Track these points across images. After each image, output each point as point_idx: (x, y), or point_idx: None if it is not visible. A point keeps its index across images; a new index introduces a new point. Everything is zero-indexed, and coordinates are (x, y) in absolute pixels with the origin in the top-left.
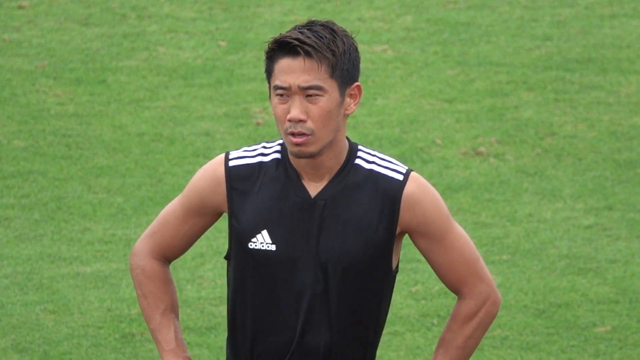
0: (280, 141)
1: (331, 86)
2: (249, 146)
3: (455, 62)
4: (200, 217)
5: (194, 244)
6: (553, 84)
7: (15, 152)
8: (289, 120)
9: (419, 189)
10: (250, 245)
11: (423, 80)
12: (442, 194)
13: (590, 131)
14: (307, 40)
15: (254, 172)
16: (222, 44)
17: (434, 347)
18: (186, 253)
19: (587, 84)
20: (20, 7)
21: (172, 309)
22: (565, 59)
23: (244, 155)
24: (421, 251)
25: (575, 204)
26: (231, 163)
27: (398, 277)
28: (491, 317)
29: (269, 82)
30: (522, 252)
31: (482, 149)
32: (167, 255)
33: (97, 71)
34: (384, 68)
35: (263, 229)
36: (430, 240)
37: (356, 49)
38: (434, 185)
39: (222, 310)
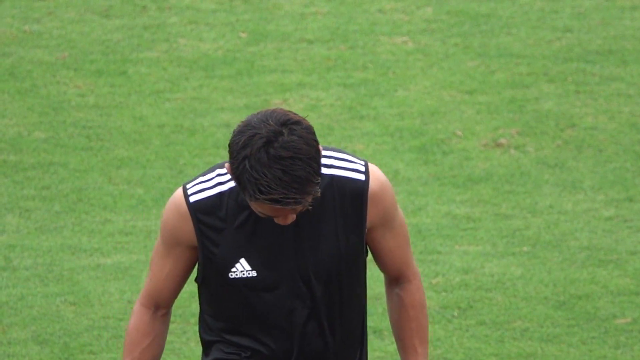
0: None
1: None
2: (203, 175)
3: (475, 53)
4: (180, 252)
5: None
6: (573, 75)
7: (36, 143)
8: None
9: (381, 186)
10: (231, 275)
11: (443, 72)
12: (463, 185)
13: (611, 123)
14: (296, 197)
15: (216, 203)
16: (243, 35)
17: (454, 338)
18: None
19: (608, 76)
20: None
21: None
22: (585, 50)
23: (202, 188)
24: (372, 240)
25: (596, 196)
26: (192, 198)
27: (419, 269)
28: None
29: (245, 195)
30: (543, 244)
31: (502, 140)
32: (159, 299)
33: (117, 63)
34: (405, 60)
35: (240, 258)
36: (384, 229)
37: (315, 141)
38: (454, 177)
39: None
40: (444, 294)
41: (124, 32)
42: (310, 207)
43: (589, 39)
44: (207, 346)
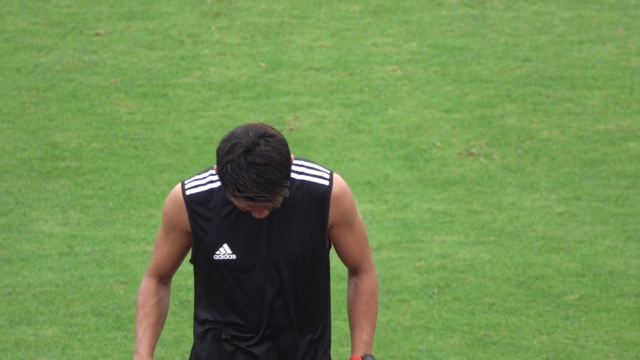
0: None
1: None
2: (199, 174)
3: (452, 79)
4: (176, 236)
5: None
6: (532, 97)
7: (94, 152)
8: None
9: (341, 191)
10: (215, 256)
11: (425, 95)
12: (441, 187)
13: (562, 136)
14: (267, 196)
15: (207, 197)
16: (262, 64)
17: (434, 311)
18: None
19: (560, 97)
20: (97, 34)
21: (147, 316)
22: (541, 76)
23: (196, 184)
24: (334, 237)
25: (550, 195)
26: (188, 192)
27: (405, 255)
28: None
29: (226, 192)
30: (506, 234)
31: (474, 150)
32: (160, 273)
33: (160, 87)
34: (394, 84)
35: (224, 243)
36: (344, 227)
37: (286, 152)
38: (434, 180)
39: None
40: (425, 275)
41: (165, 61)
42: (281, 206)
43: (545, 67)
44: (197, 318)
